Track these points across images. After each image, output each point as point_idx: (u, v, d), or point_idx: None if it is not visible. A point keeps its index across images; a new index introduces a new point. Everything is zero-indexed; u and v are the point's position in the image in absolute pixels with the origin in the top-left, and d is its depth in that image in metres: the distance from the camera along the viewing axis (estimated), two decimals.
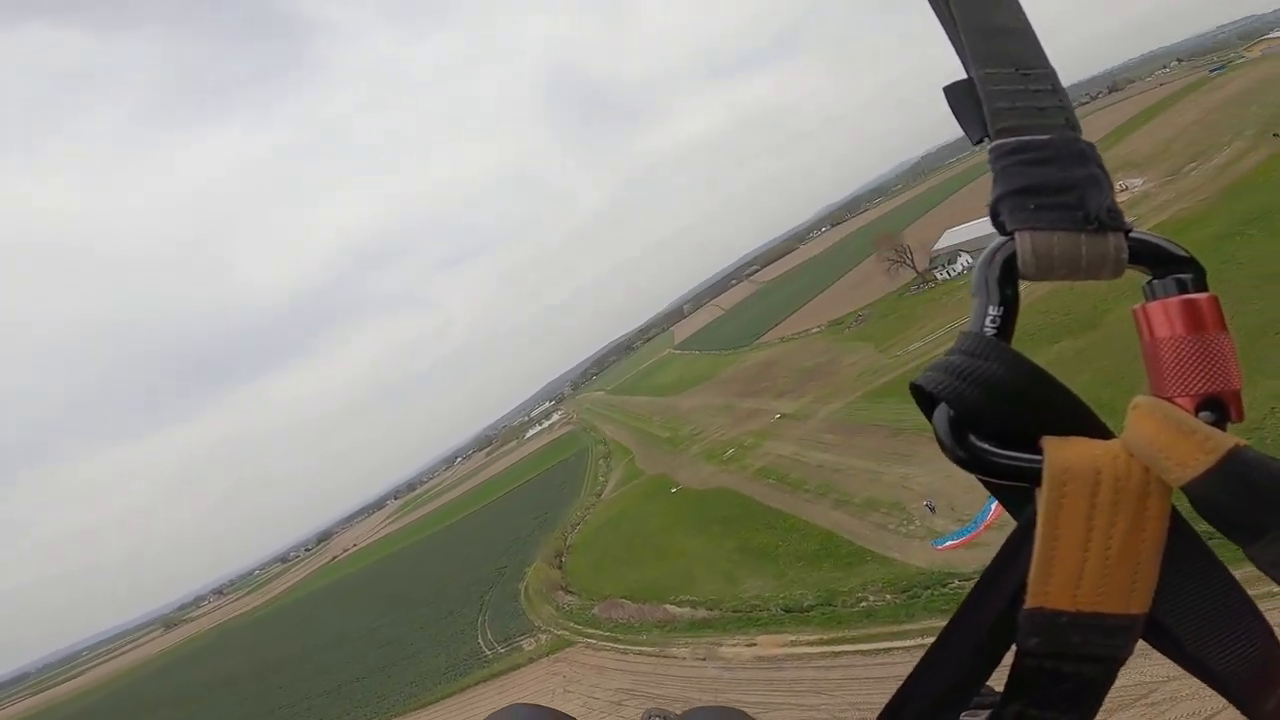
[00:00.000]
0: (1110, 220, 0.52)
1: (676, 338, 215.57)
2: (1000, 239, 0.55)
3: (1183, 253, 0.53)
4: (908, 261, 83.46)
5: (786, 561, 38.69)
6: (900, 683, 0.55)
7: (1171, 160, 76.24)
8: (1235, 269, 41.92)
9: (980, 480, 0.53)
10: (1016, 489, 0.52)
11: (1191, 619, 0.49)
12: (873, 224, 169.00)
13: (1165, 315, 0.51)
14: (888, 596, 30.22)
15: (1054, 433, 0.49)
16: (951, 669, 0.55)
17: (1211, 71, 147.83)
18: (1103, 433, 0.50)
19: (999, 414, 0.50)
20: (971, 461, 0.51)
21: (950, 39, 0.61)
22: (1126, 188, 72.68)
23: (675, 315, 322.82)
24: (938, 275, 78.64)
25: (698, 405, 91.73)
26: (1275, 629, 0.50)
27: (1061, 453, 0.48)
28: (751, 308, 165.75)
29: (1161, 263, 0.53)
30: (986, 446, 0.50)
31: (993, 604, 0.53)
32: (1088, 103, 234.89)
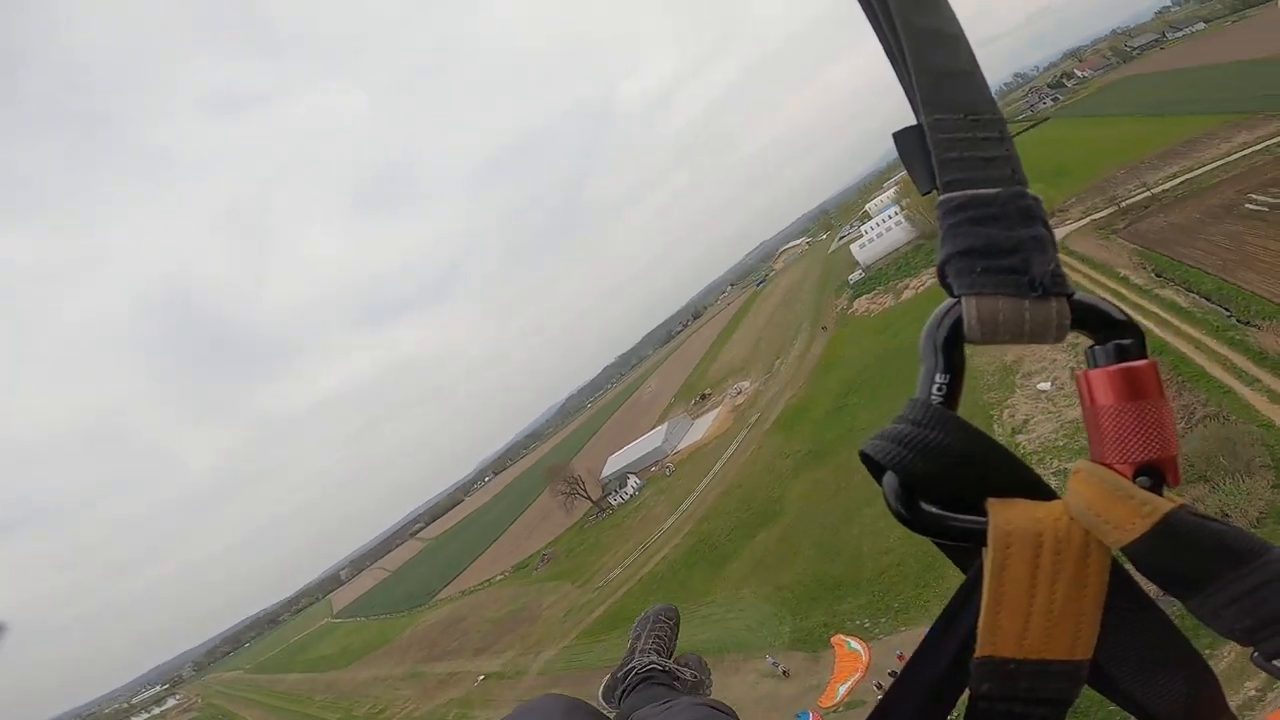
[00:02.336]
0: (1053, 286, 0.53)
1: (335, 605, 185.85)
2: (948, 302, 0.56)
3: (1123, 317, 0.54)
4: (581, 491, 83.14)
5: None
6: None
7: (762, 360, 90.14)
8: (863, 433, 45.99)
9: (932, 540, 0.56)
10: (961, 551, 0.56)
11: (1129, 662, 0.52)
12: (536, 465, 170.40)
13: (1106, 383, 0.52)
14: None
15: (999, 495, 0.51)
16: (908, 713, 0.57)
17: (757, 285, 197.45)
18: (1046, 494, 0.53)
19: (945, 479, 0.52)
20: (920, 525, 0.53)
21: (900, 80, 0.61)
22: (740, 391, 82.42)
23: (332, 582, 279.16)
24: (612, 501, 78.75)
25: (373, 678, 77.00)
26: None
27: (1005, 515, 0.50)
28: (421, 565, 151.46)
29: (1104, 327, 0.54)
30: (935, 511, 0.53)
31: (946, 650, 0.55)
32: (681, 330, 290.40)
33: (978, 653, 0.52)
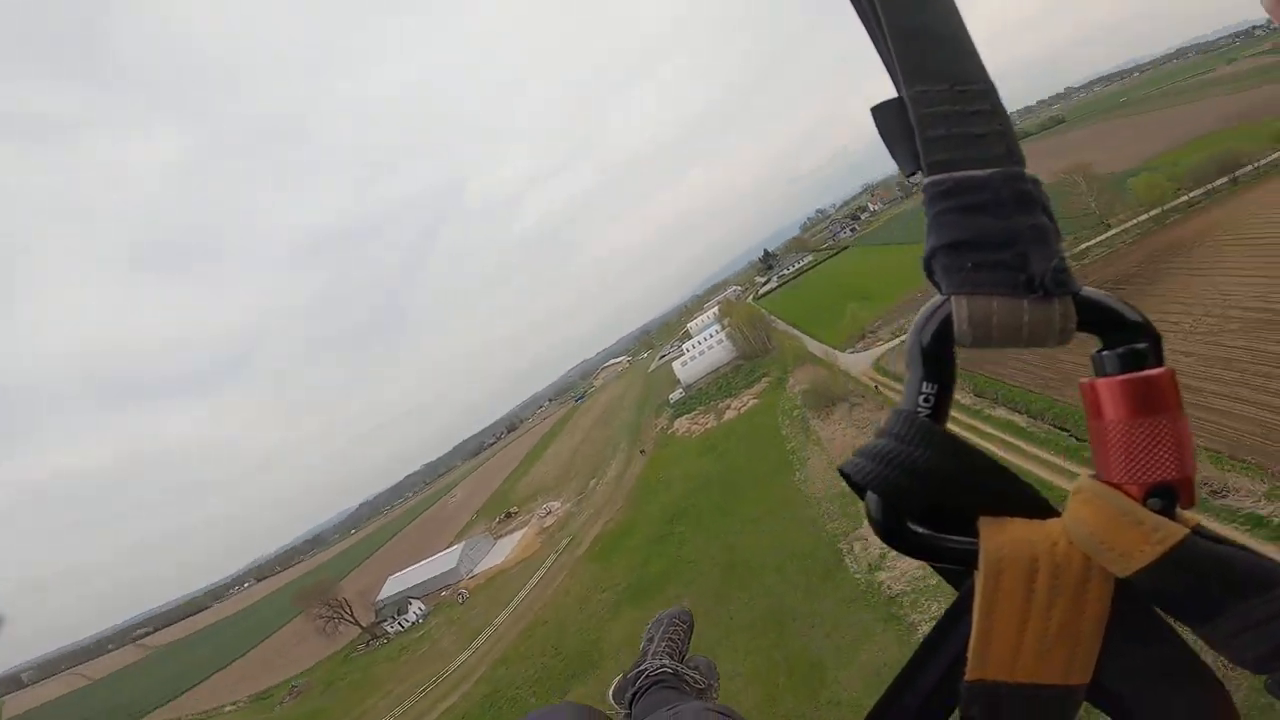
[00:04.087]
0: (1055, 284, 0.46)
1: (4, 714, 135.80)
2: (936, 299, 0.50)
3: (1137, 318, 0.48)
4: (346, 616, 69.98)
5: None
6: None
7: (576, 480, 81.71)
8: (690, 567, 39.30)
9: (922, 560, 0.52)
10: (952, 571, 0.52)
11: (1133, 680, 0.49)
12: (307, 575, 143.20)
13: (1116, 394, 0.46)
14: None
15: (992, 513, 0.48)
16: None
17: (576, 401, 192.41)
18: (1044, 511, 0.49)
19: (933, 497, 0.49)
20: (905, 547, 0.50)
21: (878, 49, 0.53)
22: (550, 511, 72.78)
23: (9, 684, 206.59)
24: (389, 629, 65.90)
25: None
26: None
27: (998, 539, 0.46)
28: (136, 677, 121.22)
29: (1115, 329, 0.48)
30: (921, 531, 0.49)
31: (933, 670, 0.52)
32: (494, 443, 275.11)
33: (967, 676, 0.50)
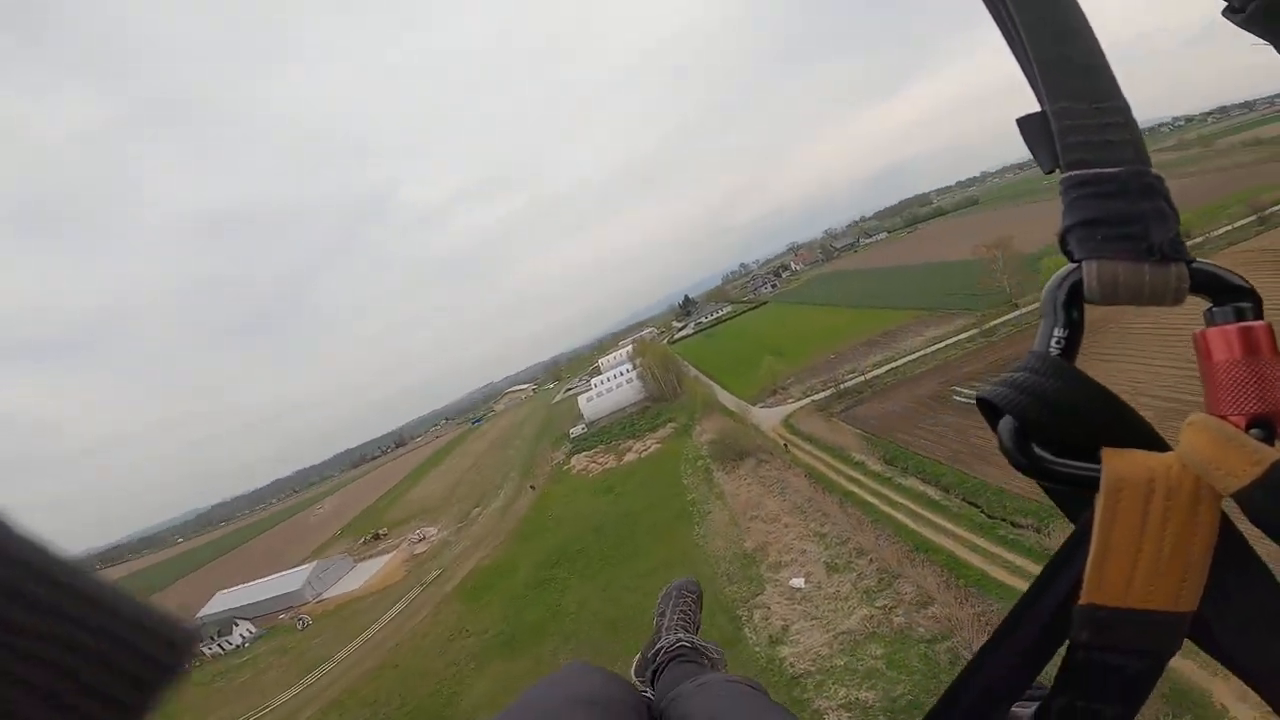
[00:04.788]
0: (1173, 251, 0.54)
1: None
2: (1068, 266, 0.58)
3: (1242, 283, 0.55)
4: None
5: None
6: (954, 677, 0.59)
7: (459, 505, 75.88)
8: (570, 619, 35.27)
9: (1040, 485, 0.56)
10: (1074, 496, 0.56)
11: (1233, 618, 0.52)
12: (129, 578, 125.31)
13: (1223, 340, 0.53)
14: None
15: (1114, 445, 0.53)
16: (1005, 664, 0.58)
17: (473, 423, 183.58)
18: (1160, 447, 0.54)
19: (1061, 426, 0.54)
20: (1033, 469, 0.54)
21: (1024, 71, 0.63)
22: (424, 537, 66.41)
23: None
24: (205, 650, 57.78)
25: None
26: None
27: (1118, 463, 0.51)
28: None
29: (1221, 291, 0.55)
30: (1048, 456, 0.54)
31: (1047, 602, 0.56)
32: (379, 456, 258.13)
33: (1081, 600, 0.53)
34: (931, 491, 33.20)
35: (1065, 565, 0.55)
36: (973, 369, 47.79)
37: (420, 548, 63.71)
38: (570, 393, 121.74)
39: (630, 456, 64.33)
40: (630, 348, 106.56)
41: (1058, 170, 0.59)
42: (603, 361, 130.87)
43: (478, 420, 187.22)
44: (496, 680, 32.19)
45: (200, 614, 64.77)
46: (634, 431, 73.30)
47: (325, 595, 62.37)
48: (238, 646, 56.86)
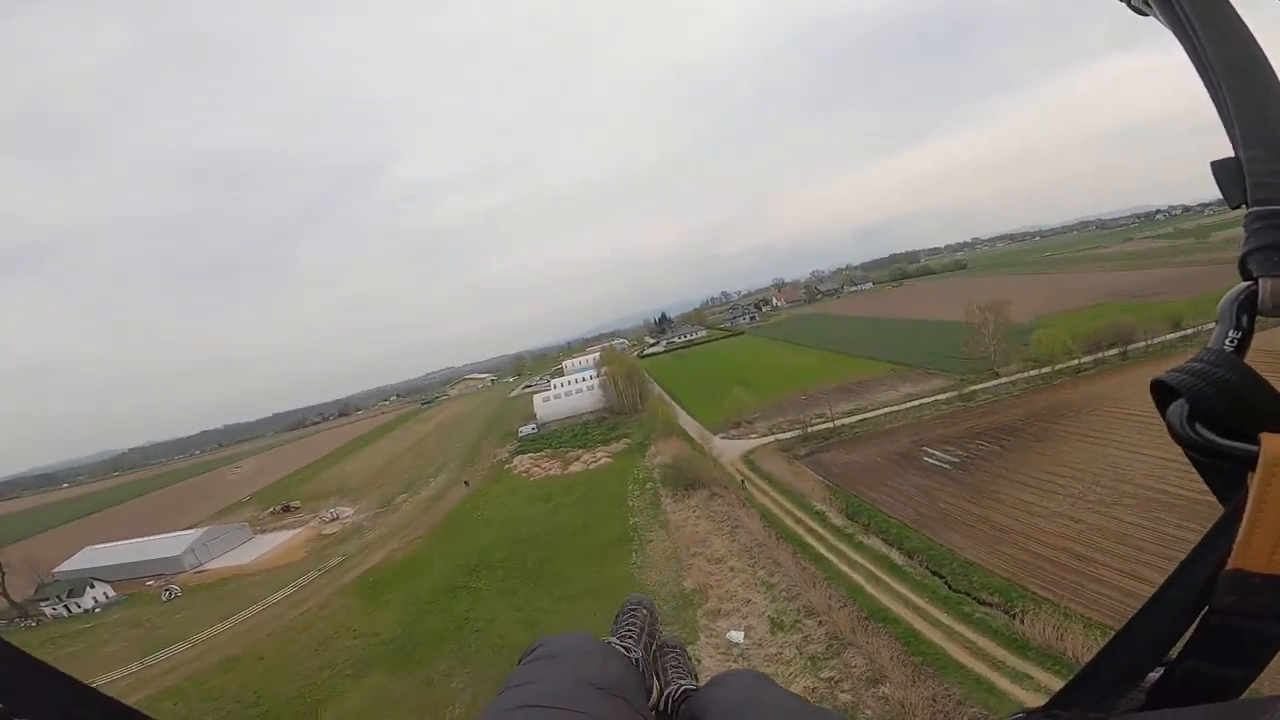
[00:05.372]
0: None
1: None
2: (1244, 283, 0.65)
3: None
4: None
5: None
6: (1105, 642, 0.64)
7: (384, 489, 70.79)
8: (476, 637, 31.15)
9: (1194, 461, 0.61)
10: (1227, 477, 0.60)
11: None
12: (5, 519, 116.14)
13: None
14: None
15: (1273, 432, 0.57)
16: (1149, 634, 0.62)
17: (422, 404, 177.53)
18: None
19: (1230, 413, 0.59)
20: (1200, 445, 0.59)
21: (1224, 123, 0.70)
22: (336, 517, 61.19)
23: None
24: (47, 610, 52.30)
25: None
26: None
27: (1276, 444, 0.55)
28: None
29: None
30: (1212, 435, 0.59)
31: (1194, 576, 0.60)
32: (318, 423, 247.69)
33: (1228, 565, 0.56)
34: (894, 555, 30.38)
35: (1214, 540, 0.58)
36: (946, 432, 45.42)
37: (331, 528, 58.49)
38: (528, 390, 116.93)
39: (577, 466, 60.39)
40: (598, 354, 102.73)
41: (1244, 205, 0.67)
42: (567, 364, 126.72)
43: (427, 402, 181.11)
44: (370, 695, 27.89)
45: (58, 569, 58.18)
46: (586, 441, 69.37)
47: (207, 566, 56.67)
48: (87, 611, 51.14)
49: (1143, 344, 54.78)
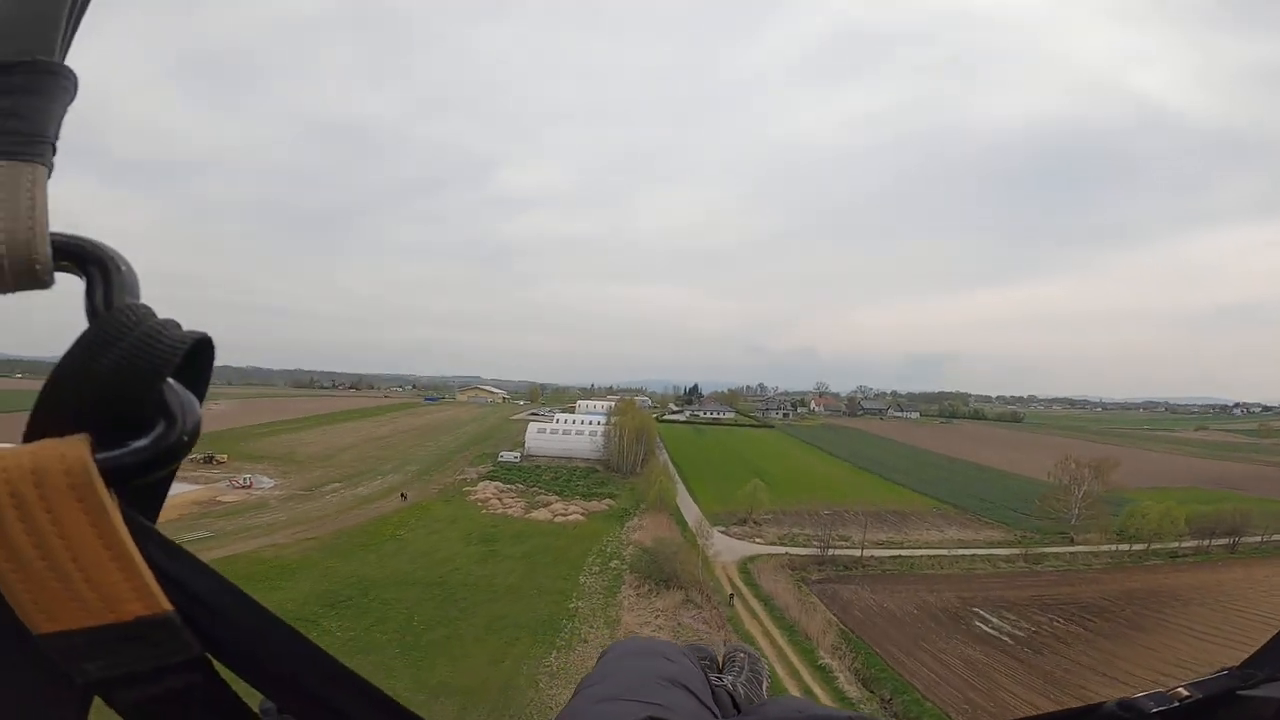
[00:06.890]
0: None
1: None
2: None
3: None
4: None
5: None
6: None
7: (325, 471, 61.46)
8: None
9: None
10: None
11: None
12: None
13: None
14: None
15: None
16: None
17: (427, 400, 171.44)
18: None
19: None
20: None
21: None
22: (249, 485, 51.58)
23: None
24: None
25: None
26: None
27: None
28: None
29: None
30: None
31: None
32: (328, 388, 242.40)
33: None
34: None
35: None
36: (1006, 595, 35.71)
37: (233, 495, 48.78)
38: (531, 416, 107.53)
39: (542, 514, 49.97)
40: (615, 402, 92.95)
41: None
42: (581, 404, 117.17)
43: (431, 399, 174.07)
44: None
45: None
46: (565, 488, 59.02)
47: None
48: None
49: (1257, 539, 47.41)
